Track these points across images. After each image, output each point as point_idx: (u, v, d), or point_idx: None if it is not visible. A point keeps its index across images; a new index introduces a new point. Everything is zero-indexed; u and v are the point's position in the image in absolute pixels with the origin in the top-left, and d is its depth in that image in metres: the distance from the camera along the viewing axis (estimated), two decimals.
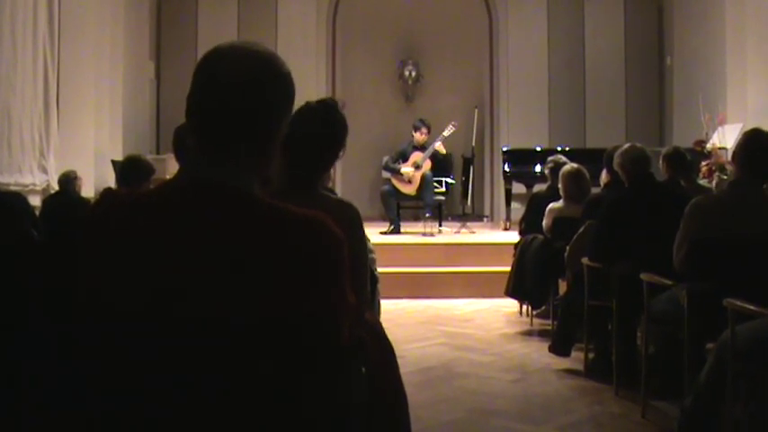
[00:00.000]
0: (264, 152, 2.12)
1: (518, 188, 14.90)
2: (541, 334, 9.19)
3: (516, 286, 9.43)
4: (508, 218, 14.80)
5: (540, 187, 12.01)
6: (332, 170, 3.91)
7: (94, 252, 2.02)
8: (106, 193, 2.26)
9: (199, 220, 1.99)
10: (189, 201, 2.03)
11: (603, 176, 8.45)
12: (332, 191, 4.03)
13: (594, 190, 8.91)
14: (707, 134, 11.64)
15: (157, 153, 14.94)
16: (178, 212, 2.02)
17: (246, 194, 2.05)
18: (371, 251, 4.25)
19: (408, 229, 14.09)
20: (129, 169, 7.38)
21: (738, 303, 4.72)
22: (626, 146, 7.23)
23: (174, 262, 1.96)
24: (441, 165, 14.05)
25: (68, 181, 9.88)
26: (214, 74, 2.07)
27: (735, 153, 5.79)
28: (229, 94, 2.04)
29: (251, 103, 2.05)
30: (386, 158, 14.63)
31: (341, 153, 3.75)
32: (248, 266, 1.95)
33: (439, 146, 13.85)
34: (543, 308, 9.72)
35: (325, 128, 3.69)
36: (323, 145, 3.69)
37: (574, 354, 7.66)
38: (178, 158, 4.96)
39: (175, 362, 1.94)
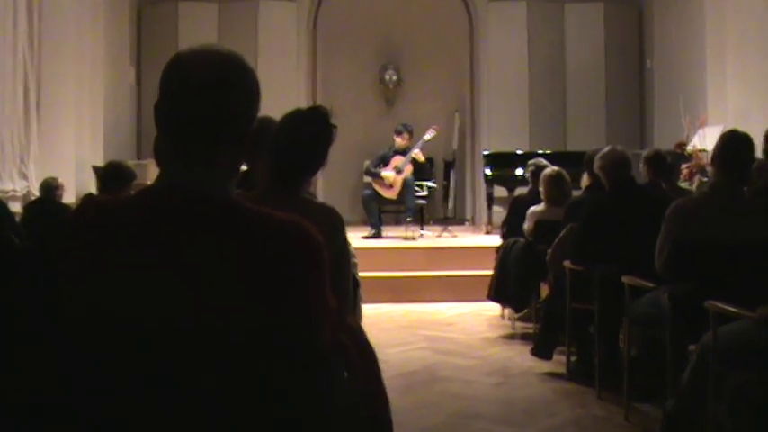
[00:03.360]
0: (238, 151, 2.13)
1: (499, 191, 14.91)
2: (523, 337, 9.21)
3: (498, 290, 9.43)
4: (490, 221, 14.81)
5: (521, 191, 12.03)
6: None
7: (74, 258, 2.02)
8: (86, 200, 2.26)
9: (177, 226, 1.99)
10: (167, 207, 2.03)
11: (584, 179, 8.46)
12: (313, 195, 4.03)
13: (575, 193, 8.92)
14: (687, 136, 11.68)
15: (138, 159, 14.91)
16: (156, 219, 2.02)
17: (224, 199, 2.06)
18: (353, 255, 4.25)
19: (390, 234, 14.08)
20: (110, 175, 7.36)
21: (720, 305, 4.74)
22: (606, 149, 7.24)
23: (153, 268, 1.96)
24: (421, 170, 14.05)
25: (50, 189, 9.85)
26: (181, 79, 2.07)
27: (713, 156, 5.81)
28: (199, 96, 2.05)
29: (221, 104, 2.06)
30: (367, 163, 14.65)
31: (326, 160, 3.76)
32: (227, 271, 1.95)
33: (417, 153, 13.85)
34: (525, 311, 9.73)
35: (314, 135, 3.70)
36: (310, 151, 3.70)
37: (556, 357, 7.68)
38: (159, 163, 4.95)
39: (156, 367, 1.94)
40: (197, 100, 2.05)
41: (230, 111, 2.08)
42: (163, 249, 1.98)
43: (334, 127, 3.73)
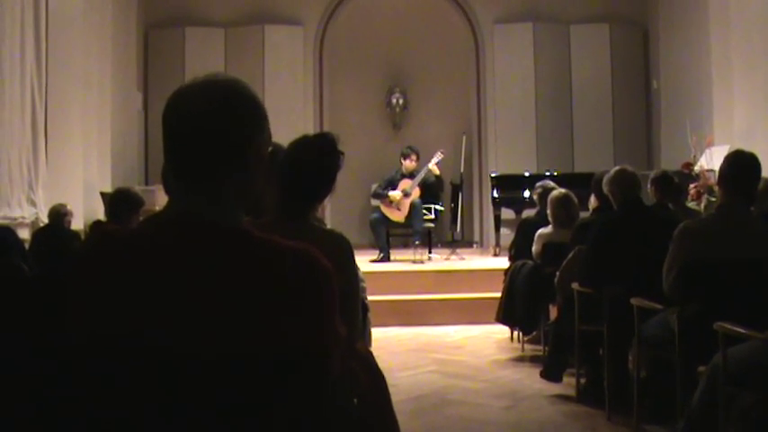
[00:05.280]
0: (245, 179, 2.12)
1: (507, 214, 14.91)
2: (533, 360, 9.18)
3: (507, 312, 9.42)
4: (498, 244, 14.81)
5: (529, 213, 12.03)
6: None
7: (84, 287, 2.03)
8: (96, 229, 2.27)
9: (187, 256, 2.00)
10: (176, 236, 2.03)
11: (592, 201, 8.46)
12: (321, 221, 4.04)
13: (583, 215, 8.92)
14: (694, 156, 11.66)
15: (146, 184, 14.92)
16: (166, 248, 2.02)
17: (233, 227, 2.06)
18: (362, 280, 4.25)
19: (398, 257, 14.09)
20: (119, 202, 7.37)
21: (729, 326, 4.73)
22: (616, 169, 7.23)
23: (164, 297, 1.96)
24: (432, 188, 14.02)
25: (59, 215, 9.86)
26: (181, 110, 2.08)
27: (719, 177, 5.79)
28: (199, 125, 2.05)
29: (221, 131, 2.07)
30: (375, 186, 14.63)
31: (334, 187, 3.76)
32: (237, 300, 1.96)
33: (433, 167, 13.83)
34: (534, 333, 9.71)
35: (322, 162, 3.70)
36: (318, 178, 3.70)
37: (565, 379, 7.66)
38: (167, 190, 4.96)
39: (166, 396, 1.94)
40: (192, 131, 2.06)
41: (228, 139, 2.08)
42: (173, 279, 1.98)
43: (342, 153, 3.74)
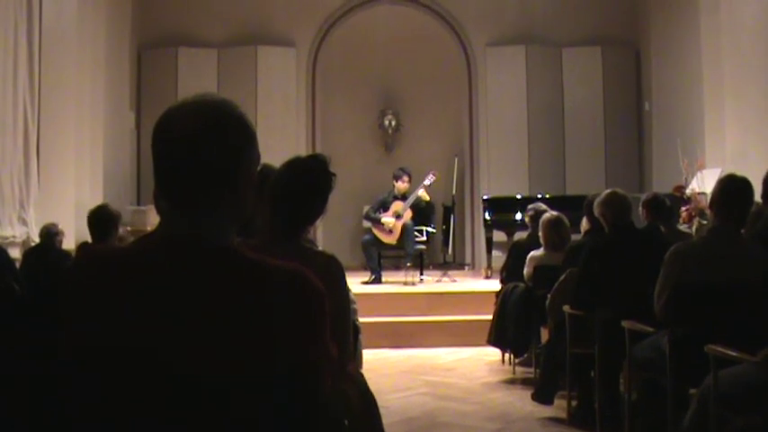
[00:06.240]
0: (236, 197, 2.12)
1: (499, 236, 14.88)
2: (524, 382, 9.17)
3: (498, 335, 9.41)
4: (489, 266, 14.77)
5: (520, 235, 12.03)
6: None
7: (75, 309, 2.02)
8: (84, 250, 2.28)
9: (177, 275, 2.00)
10: (167, 256, 2.03)
11: (584, 224, 8.46)
12: (313, 242, 4.03)
13: (575, 237, 8.92)
14: (686, 179, 11.68)
15: (138, 204, 14.91)
16: (157, 268, 2.02)
17: (223, 248, 2.06)
18: (353, 302, 4.24)
19: (390, 279, 14.07)
20: (96, 221, 7.33)
21: (720, 349, 4.73)
22: (607, 192, 7.24)
23: (155, 317, 1.96)
24: (423, 213, 14.02)
25: (50, 235, 9.84)
26: (170, 131, 2.09)
27: (711, 200, 5.81)
28: (188, 146, 2.05)
29: (210, 152, 2.06)
30: (367, 208, 14.62)
31: (326, 209, 3.76)
32: (226, 319, 1.96)
33: (422, 193, 13.81)
34: (525, 356, 9.70)
35: (313, 184, 3.70)
36: (310, 199, 3.70)
37: (557, 402, 7.64)
38: (158, 210, 4.95)
39: (156, 413, 1.94)
40: (182, 152, 2.06)
41: (217, 161, 2.08)
42: (164, 298, 1.98)
43: (334, 175, 3.73)
